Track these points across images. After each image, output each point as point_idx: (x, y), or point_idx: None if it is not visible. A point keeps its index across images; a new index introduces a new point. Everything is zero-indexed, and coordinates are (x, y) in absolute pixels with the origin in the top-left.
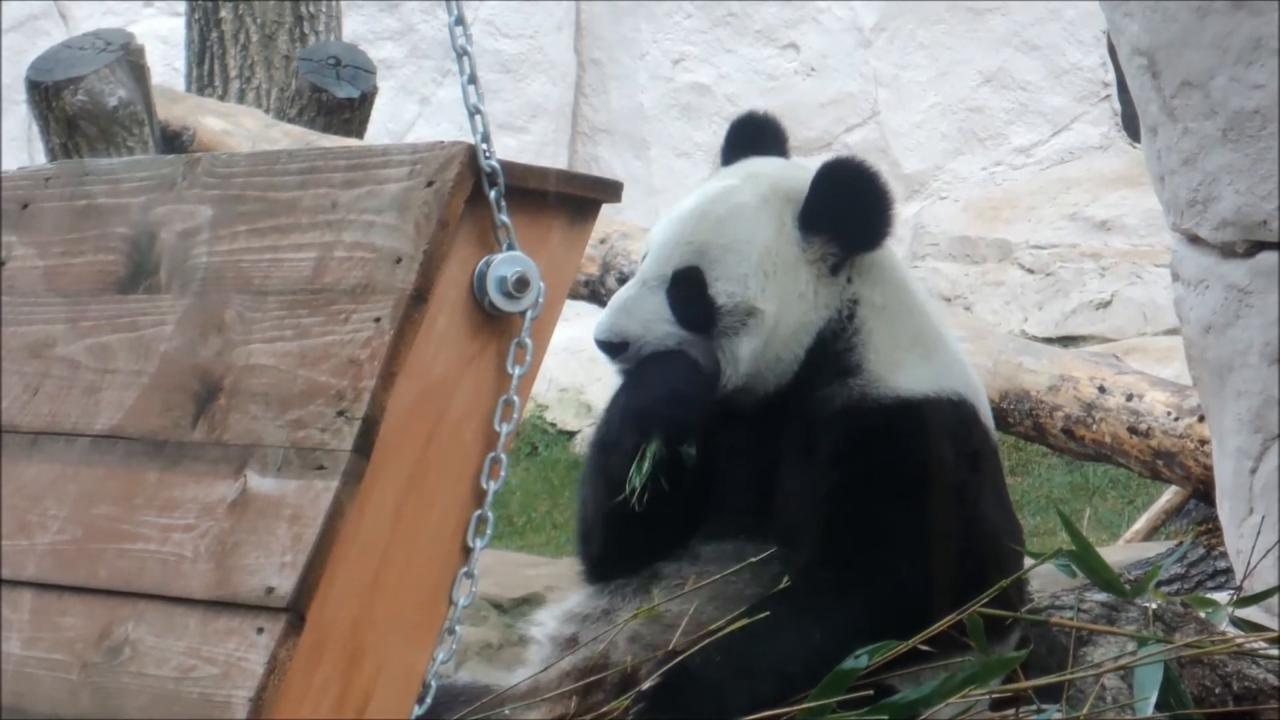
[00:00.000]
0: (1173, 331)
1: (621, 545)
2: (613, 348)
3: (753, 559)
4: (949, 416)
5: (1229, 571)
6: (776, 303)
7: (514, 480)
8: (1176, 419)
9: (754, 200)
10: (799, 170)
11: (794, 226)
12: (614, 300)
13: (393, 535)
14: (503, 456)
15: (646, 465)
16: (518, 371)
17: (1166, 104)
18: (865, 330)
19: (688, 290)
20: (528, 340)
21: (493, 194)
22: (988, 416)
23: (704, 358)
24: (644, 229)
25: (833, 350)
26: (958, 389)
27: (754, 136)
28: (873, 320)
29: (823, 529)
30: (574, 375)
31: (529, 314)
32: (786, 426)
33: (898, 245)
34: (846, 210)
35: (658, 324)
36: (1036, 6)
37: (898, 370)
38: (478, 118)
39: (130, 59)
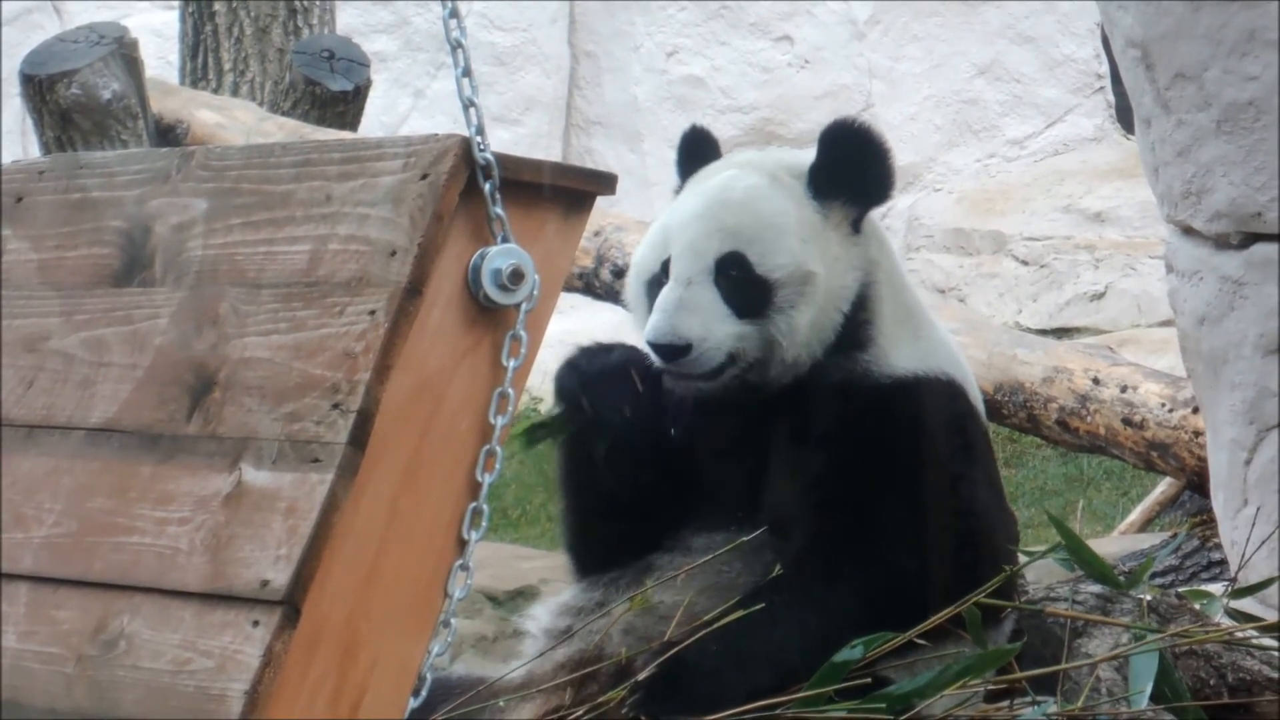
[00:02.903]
0: (1167, 323)
1: (603, 542)
2: (675, 350)
3: (743, 540)
4: (941, 398)
5: (1224, 563)
6: (823, 265)
7: (509, 473)
8: (1171, 410)
9: (764, 180)
10: (784, 151)
11: (808, 197)
12: (664, 302)
13: (388, 528)
14: (498, 449)
15: (544, 424)
16: (513, 364)
17: (1160, 96)
18: (878, 299)
19: (735, 275)
20: (523, 333)
21: (487, 187)
22: (977, 397)
23: (757, 349)
24: (639, 221)
25: (857, 319)
26: (946, 369)
27: (702, 150)
28: (884, 287)
29: (816, 513)
30: None
31: (524, 306)
32: (781, 407)
33: (891, 237)
34: (857, 166)
35: (717, 322)
36: None
37: (897, 346)
38: (472, 110)
39: (124, 52)
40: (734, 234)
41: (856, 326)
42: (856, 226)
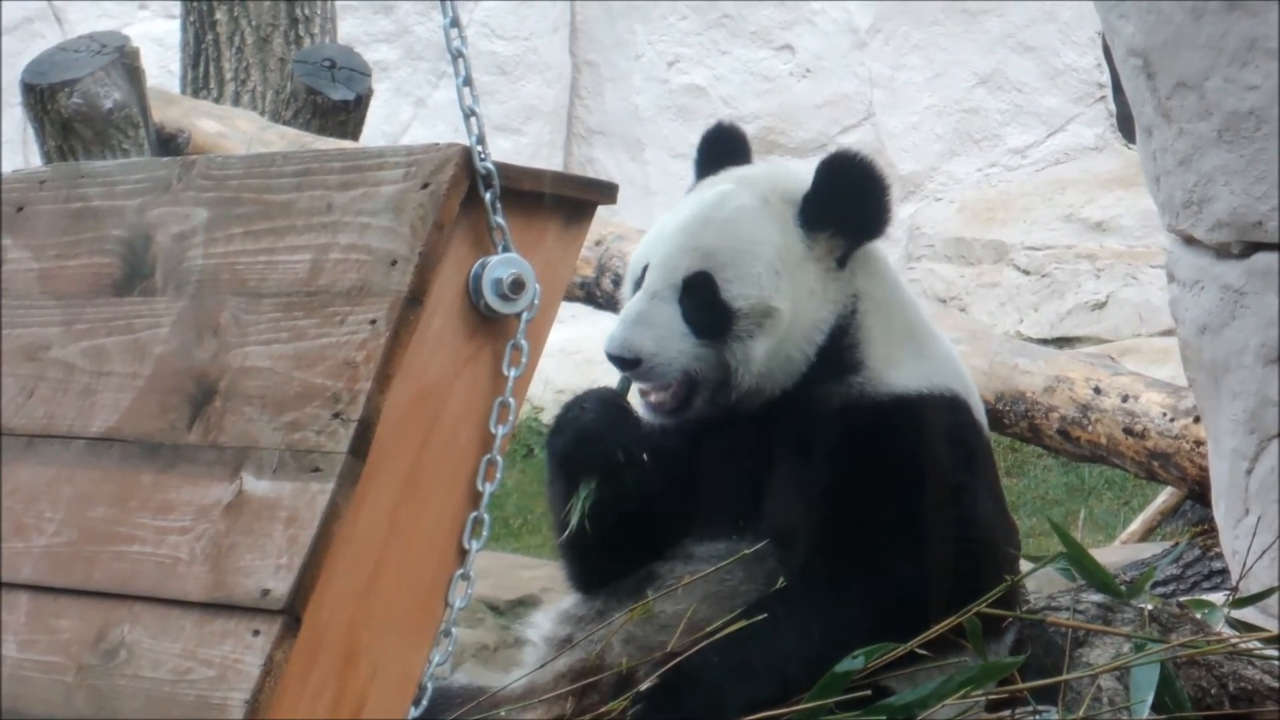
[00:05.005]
0: (1168, 332)
1: (605, 570)
2: (625, 363)
3: (746, 552)
4: (944, 414)
5: (1225, 572)
6: (790, 301)
7: (510, 482)
8: (1172, 420)
9: (755, 202)
10: (788, 172)
11: (796, 225)
12: (625, 313)
13: (388, 537)
14: (498, 459)
15: (578, 507)
16: (513, 374)
17: (1162, 105)
18: (866, 326)
19: (700, 296)
20: (523, 342)
21: (488, 196)
22: (980, 412)
23: (714, 370)
24: (639, 231)
25: (839, 346)
26: (951, 385)
27: (726, 147)
28: (872, 315)
29: (820, 527)
30: (569, 377)
31: (524, 316)
32: (782, 425)
33: (892, 246)
34: (851, 202)
35: (670, 339)
36: (1031, 8)
37: (895, 367)
38: (473, 119)
39: (125, 61)
40: (707, 255)
41: (840, 353)
42: (843, 262)
